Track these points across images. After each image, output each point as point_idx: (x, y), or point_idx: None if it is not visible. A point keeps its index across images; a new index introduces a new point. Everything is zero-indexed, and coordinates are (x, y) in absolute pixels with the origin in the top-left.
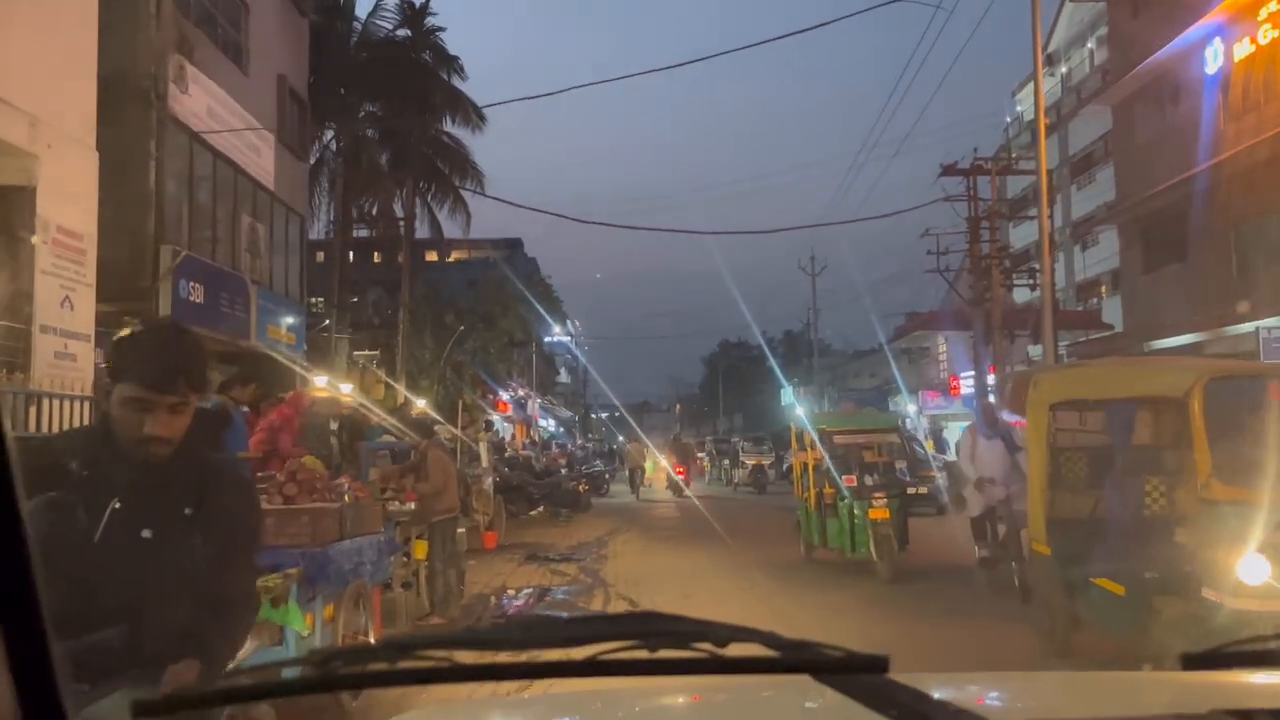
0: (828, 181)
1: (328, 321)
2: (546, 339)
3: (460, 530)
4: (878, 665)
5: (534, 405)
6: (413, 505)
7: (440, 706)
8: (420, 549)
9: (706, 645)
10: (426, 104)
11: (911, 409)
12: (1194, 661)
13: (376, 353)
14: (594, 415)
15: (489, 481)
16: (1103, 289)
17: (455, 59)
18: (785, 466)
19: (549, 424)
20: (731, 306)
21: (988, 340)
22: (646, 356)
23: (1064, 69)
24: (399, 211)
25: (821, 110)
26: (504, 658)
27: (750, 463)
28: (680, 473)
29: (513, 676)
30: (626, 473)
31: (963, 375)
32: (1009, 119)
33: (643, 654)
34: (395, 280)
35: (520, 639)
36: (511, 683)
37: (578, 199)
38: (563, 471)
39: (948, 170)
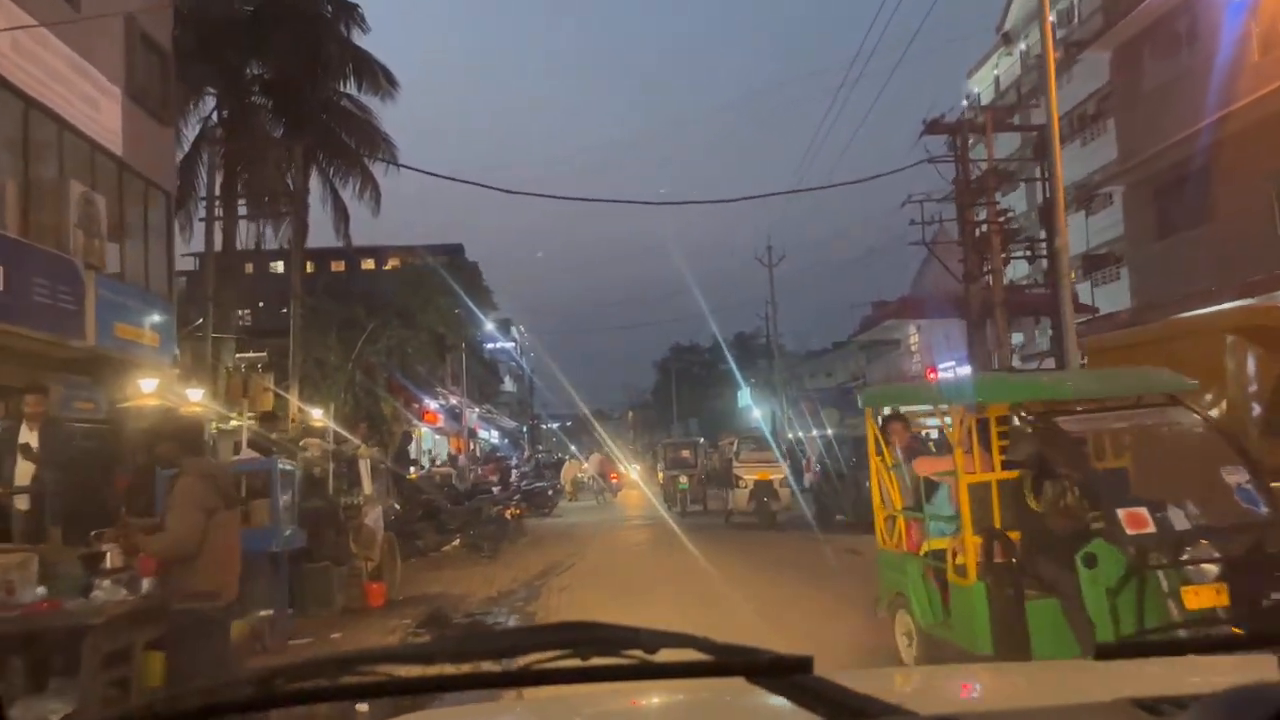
0: (781, 170)
1: (200, 320)
2: (490, 346)
3: (241, 622)
4: (803, 666)
5: (471, 415)
6: (149, 584)
7: (421, 716)
8: (153, 667)
9: (637, 652)
10: (323, 63)
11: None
12: (1105, 652)
13: (263, 355)
14: (545, 426)
15: (375, 515)
16: (1071, 274)
17: (356, 8)
18: (805, 483)
19: (490, 435)
20: (684, 306)
21: (982, 322)
22: (597, 364)
23: (1022, 45)
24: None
25: (773, 89)
26: (442, 670)
27: (750, 477)
28: (614, 478)
29: (450, 688)
30: (566, 488)
31: (941, 366)
32: (964, 102)
33: (575, 662)
34: (324, 287)
35: (457, 651)
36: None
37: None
38: (494, 491)
39: (932, 127)
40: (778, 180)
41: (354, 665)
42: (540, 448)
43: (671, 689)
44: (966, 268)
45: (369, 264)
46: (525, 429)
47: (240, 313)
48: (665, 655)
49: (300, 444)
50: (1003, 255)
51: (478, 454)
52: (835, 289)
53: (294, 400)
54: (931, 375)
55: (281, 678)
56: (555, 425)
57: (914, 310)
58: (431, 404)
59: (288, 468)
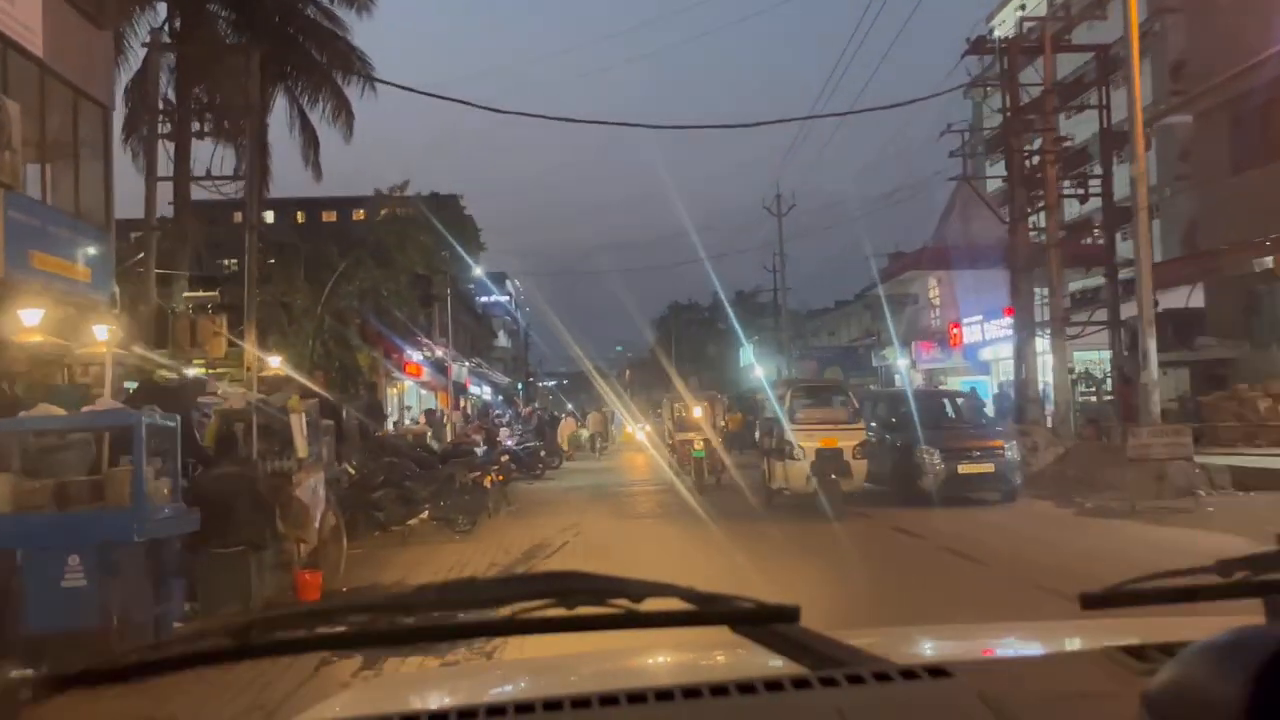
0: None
1: (142, 255)
2: (484, 300)
3: None
4: (788, 615)
5: (461, 369)
6: None
7: (380, 680)
8: None
9: (623, 601)
10: None
11: (903, 363)
12: (1092, 602)
13: (215, 294)
14: (541, 384)
15: (312, 484)
16: (1094, 230)
17: None
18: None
19: (483, 391)
20: (683, 257)
21: (1028, 269)
22: (593, 323)
23: None
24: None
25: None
26: (423, 620)
27: (810, 445)
28: None
29: (433, 638)
30: (565, 447)
31: (966, 321)
32: (1015, 16)
33: (560, 611)
34: (295, 229)
35: (439, 601)
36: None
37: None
38: (475, 452)
39: (976, 46)
40: (786, 128)
41: (331, 616)
42: (537, 405)
43: (659, 645)
44: (1014, 206)
45: (360, 215)
46: (520, 386)
47: (226, 261)
48: (649, 605)
49: (219, 393)
50: (1066, 191)
51: (469, 411)
52: (842, 243)
53: (250, 347)
54: (955, 331)
55: (257, 629)
56: (551, 383)
57: (937, 260)
58: (414, 355)
59: (165, 424)
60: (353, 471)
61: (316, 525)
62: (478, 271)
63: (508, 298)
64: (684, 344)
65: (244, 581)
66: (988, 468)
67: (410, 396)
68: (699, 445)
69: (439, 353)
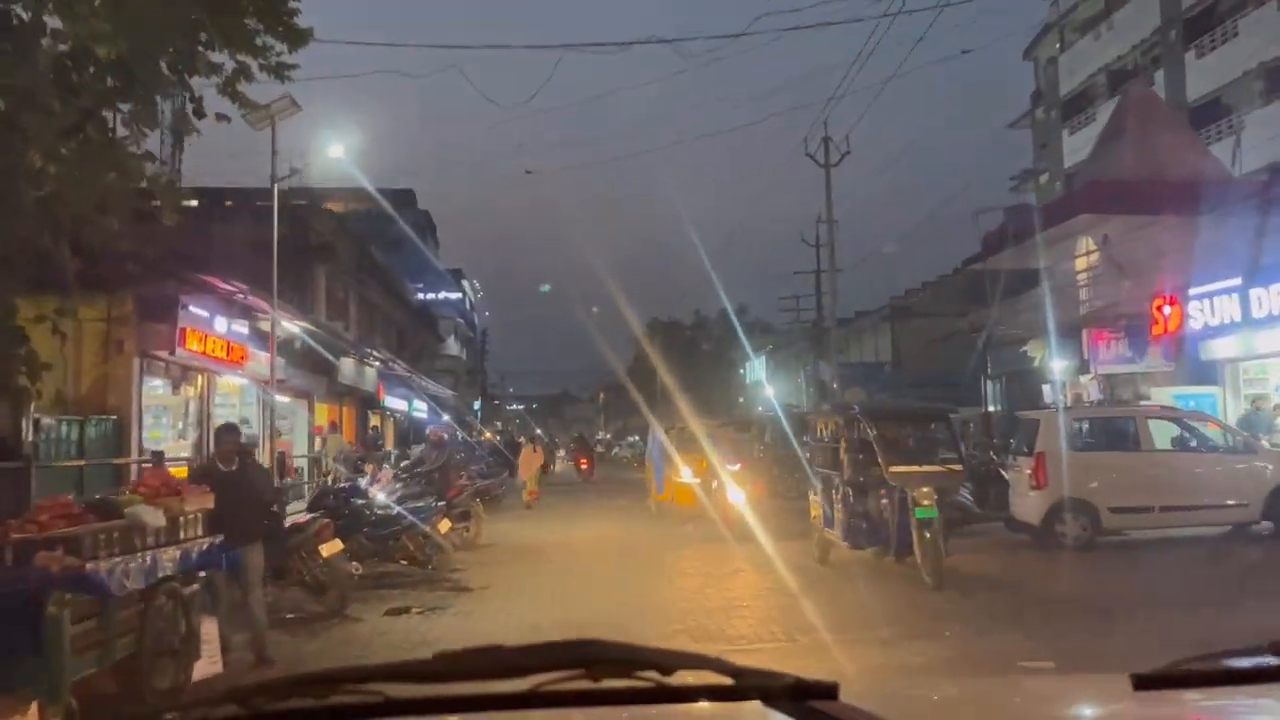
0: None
1: None
2: (429, 297)
3: None
4: (828, 691)
5: (362, 370)
6: None
7: None
8: None
9: (652, 673)
10: None
11: (1056, 366)
12: (1145, 682)
13: None
14: (509, 407)
15: None
16: None
17: None
18: None
19: (415, 406)
20: (669, 274)
21: None
22: (567, 341)
23: None
24: None
25: None
26: (440, 690)
27: None
28: (584, 465)
29: (450, 710)
30: (528, 486)
31: (1195, 293)
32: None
33: (586, 684)
34: None
35: (457, 670)
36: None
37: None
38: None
39: None
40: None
41: (344, 683)
42: (500, 426)
43: (685, 714)
44: None
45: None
46: (478, 405)
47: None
48: (680, 677)
49: None
50: None
51: (374, 436)
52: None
53: None
54: (1167, 309)
55: (264, 696)
56: (519, 406)
57: (1128, 198)
58: (218, 322)
59: None
60: None
61: None
62: (286, 62)
63: (460, 296)
64: (666, 364)
65: None
66: None
67: (246, 406)
68: None
69: (286, 322)
